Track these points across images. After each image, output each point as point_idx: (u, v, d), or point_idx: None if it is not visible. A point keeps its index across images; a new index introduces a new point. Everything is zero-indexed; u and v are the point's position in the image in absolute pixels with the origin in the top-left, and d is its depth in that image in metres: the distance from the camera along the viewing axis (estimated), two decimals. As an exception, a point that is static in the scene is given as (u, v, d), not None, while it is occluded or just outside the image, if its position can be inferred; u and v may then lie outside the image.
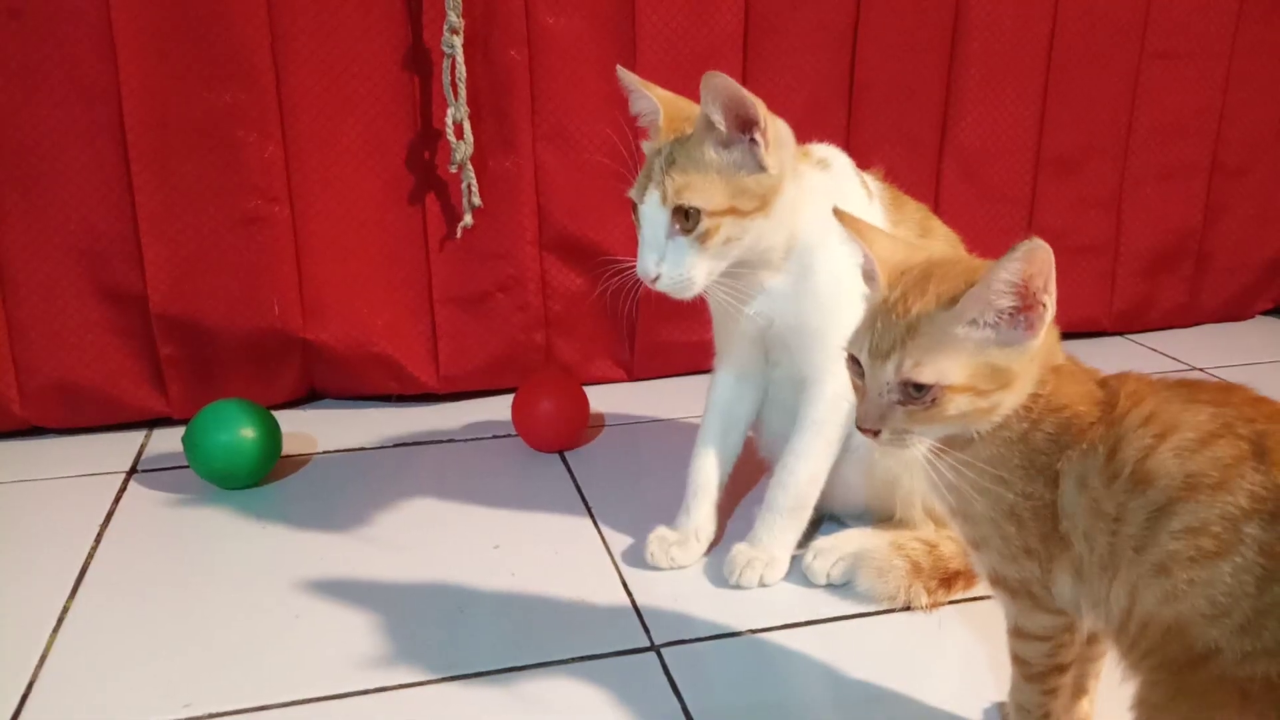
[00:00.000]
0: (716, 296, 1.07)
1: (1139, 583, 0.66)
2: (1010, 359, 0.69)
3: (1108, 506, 0.67)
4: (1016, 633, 0.78)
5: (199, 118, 1.39)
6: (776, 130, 1.02)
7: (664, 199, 1.00)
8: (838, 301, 1.04)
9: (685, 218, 1.00)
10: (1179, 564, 0.63)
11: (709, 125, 1.00)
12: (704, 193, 1.00)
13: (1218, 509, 0.62)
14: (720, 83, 0.96)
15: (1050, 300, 0.68)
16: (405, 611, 1.06)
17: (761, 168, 1.01)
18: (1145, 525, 0.65)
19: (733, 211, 1.00)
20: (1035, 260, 0.66)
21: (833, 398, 1.08)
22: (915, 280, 0.71)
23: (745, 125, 1.00)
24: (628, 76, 1.07)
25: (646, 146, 1.08)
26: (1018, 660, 0.79)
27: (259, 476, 1.33)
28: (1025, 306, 0.68)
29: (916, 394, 0.69)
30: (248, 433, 1.29)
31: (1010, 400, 0.70)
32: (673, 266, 1.01)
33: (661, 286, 1.02)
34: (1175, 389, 0.69)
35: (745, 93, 0.97)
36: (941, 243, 1.14)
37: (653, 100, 1.06)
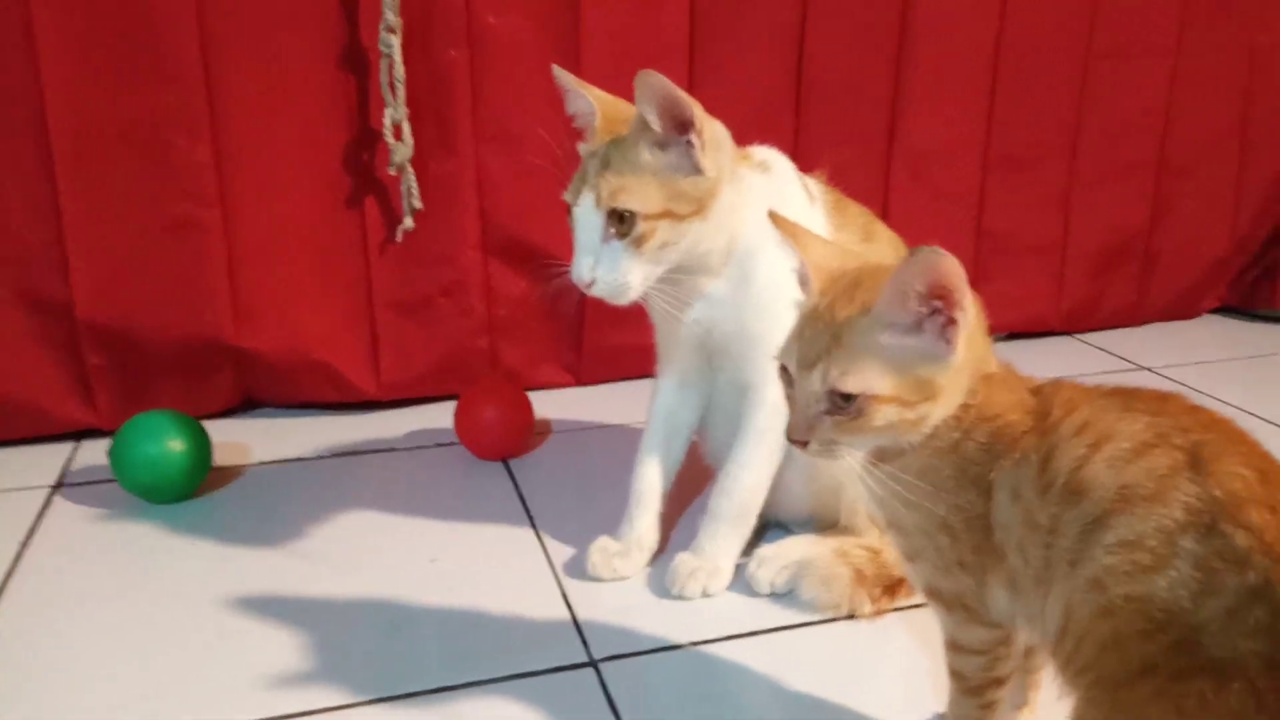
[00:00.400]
0: (655, 303, 1.05)
1: (1074, 597, 0.64)
2: (934, 371, 0.67)
3: (1041, 518, 0.66)
4: (952, 646, 0.77)
5: (125, 119, 1.35)
6: (713, 132, 1.00)
7: (598, 201, 0.98)
8: (779, 307, 1.02)
9: (620, 221, 0.97)
10: (1114, 578, 0.62)
11: (644, 126, 0.97)
12: (639, 195, 0.97)
13: (1153, 522, 0.61)
14: (655, 81, 0.94)
15: (964, 315, 0.66)
16: (337, 630, 1.03)
17: (698, 170, 0.98)
18: (1079, 538, 0.63)
19: (668, 215, 0.98)
20: (936, 269, 0.64)
21: (775, 405, 1.06)
22: (845, 288, 0.69)
23: (681, 126, 0.97)
24: (564, 76, 1.05)
25: (582, 148, 1.05)
26: (954, 674, 0.78)
27: (188, 490, 1.28)
28: (946, 322, 0.66)
29: (843, 404, 0.67)
30: (175, 445, 1.25)
31: (938, 412, 0.68)
32: (607, 271, 0.99)
33: (596, 292, 1.00)
34: (1110, 397, 0.68)
35: (680, 93, 0.95)
36: (885, 247, 1.12)
37: (589, 101, 1.04)
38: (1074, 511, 0.64)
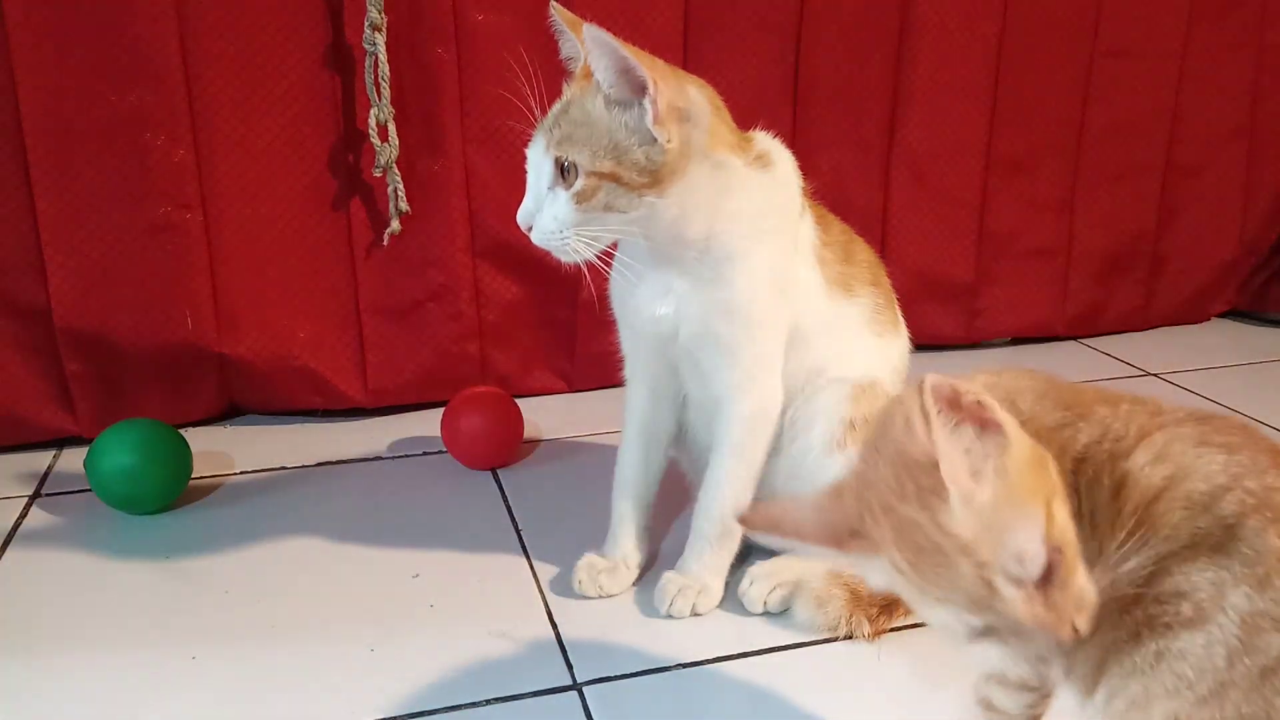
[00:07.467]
0: (614, 281, 1.03)
1: (1110, 649, 0.59)
2: None
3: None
4: (999, 679, 0.70)
5: (103, 120, 1.31)
6: (685, 102, 0.93)
7: (548, 146, 0.93)
8: (756, 317, 0.99)
9: (564, 173, 0.92)
10: (1152, 630, 0.57)
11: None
12: (585, 149, 0.91)
13: (1209, 573, 0.56)
14: (600, 37, 0.87)
15: None
16: (313, 652, 0.99)
17: (653, 139, 0.91)
18: (1133, 582, 0.58)
19: (615, 178, 0.91)
20: None
21: (750, 418, 1.03)
22: None
23: (640, 88, 0.90)
24: (560, 15, 0.99)
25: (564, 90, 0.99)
26: (989, 707, 0.72)
27: (166, 501, 1.25)
28: None
29: None
30: (151, 455, 1.21)
31: None
32: (547, 219, 0.93)
33: (534, 239, 0.95)
34: (1186, 423, 0.61)
35: (629, 53, 0.88)
36: (864, 270, 1.09)
37: (577, 45, 0.97)
38: (1145, 552, 0.58)
